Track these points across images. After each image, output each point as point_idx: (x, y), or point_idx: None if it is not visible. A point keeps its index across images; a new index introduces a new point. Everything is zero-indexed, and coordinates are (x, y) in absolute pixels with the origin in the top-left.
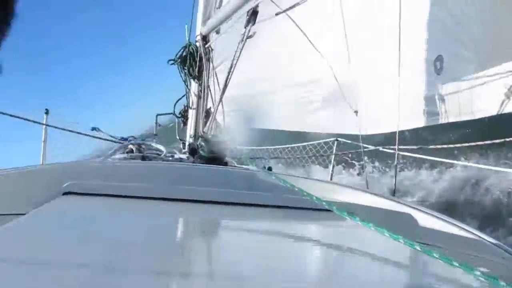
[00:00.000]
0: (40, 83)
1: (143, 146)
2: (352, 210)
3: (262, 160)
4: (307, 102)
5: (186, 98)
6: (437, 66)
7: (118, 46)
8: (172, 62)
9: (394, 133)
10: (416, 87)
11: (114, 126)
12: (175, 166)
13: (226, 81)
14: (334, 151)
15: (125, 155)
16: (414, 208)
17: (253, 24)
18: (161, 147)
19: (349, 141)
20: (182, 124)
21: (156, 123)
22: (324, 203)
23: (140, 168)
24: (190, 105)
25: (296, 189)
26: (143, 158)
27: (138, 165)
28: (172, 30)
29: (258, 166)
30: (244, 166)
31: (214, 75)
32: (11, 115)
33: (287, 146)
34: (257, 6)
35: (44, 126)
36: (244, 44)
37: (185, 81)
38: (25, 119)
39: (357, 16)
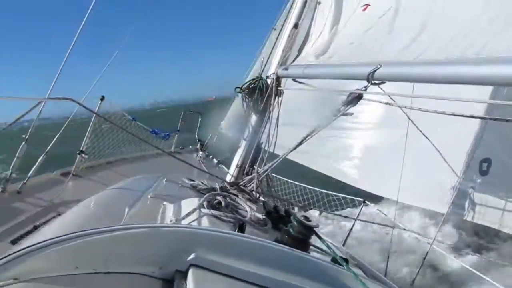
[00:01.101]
0: None
1: (228, 199)
2: None
3: None
4: None
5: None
6: (483, 167)
7: None
8: (239, 90)
9: None
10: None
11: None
12: (287, 252)
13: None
14: None
15: (220, 213)
16: None
17: (353, 106)
18: (245, 205)
19: None
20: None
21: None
22: None
23: (256, 247)
24: (244, 136)
25: None
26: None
27: (254, 243)
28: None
29: None
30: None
31: (277, 117)
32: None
33: None
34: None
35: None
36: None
37: (245, 111)
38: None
39: None
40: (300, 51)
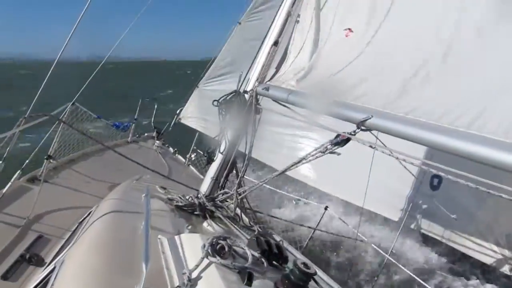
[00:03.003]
0: None
1: (230, 242)
2: None
3: None
4: None
5: (218, 139)
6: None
7: None
8: (216, 103)
9: None
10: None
11: None
12: None
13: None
14: None
15: (228, 262)
16: None
17: (341, 147)
18: (248, 251)
19: None
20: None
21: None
22: None
23: None
24: (221, 150)
25: None
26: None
27: None
28: None
29: None
30: None
31: (253, 133)
32: None
33: None
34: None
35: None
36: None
37: (222, 125)
38: None
39: None
40: (278, 68)
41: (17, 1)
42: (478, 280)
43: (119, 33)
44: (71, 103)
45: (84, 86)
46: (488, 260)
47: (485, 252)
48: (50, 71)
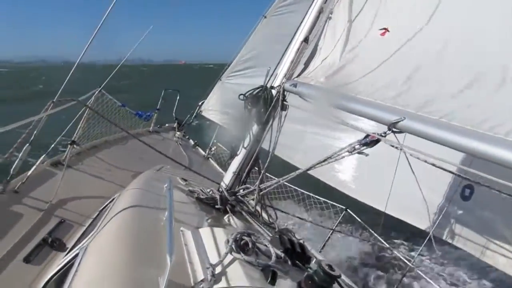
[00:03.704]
0: None
1: (253, 238)
2: None
3: None
4: None
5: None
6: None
7: None
8: (243, 97)
9: None
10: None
11: None
12: None
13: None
14: None
15: (252, 259)
16: None
17: (369, 148)
18: (271, 249)
19: None
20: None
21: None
22: None
23: None
24: (245, 145)
25: None
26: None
27: None
28: None
29: None
30: None
31: (279, 129)
32: None
33: None
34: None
35: None
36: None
37: (247, 120)
38: None
39: None
40: (306, 64)
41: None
42: None
43: (130, 38)
44: (99, 89)
45: (111, 74)
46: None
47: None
48: (72, 71)
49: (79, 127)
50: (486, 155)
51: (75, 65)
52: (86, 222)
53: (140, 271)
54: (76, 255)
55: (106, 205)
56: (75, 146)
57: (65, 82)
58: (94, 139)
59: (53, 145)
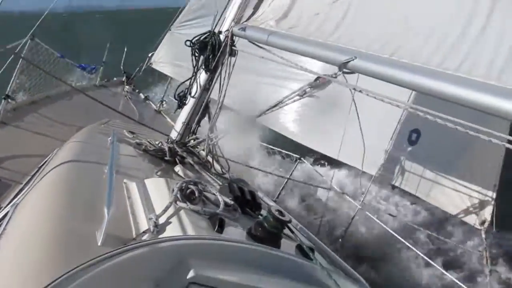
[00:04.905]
0: None
1: (200, 187)
2: None
3: None
4: None
5: (190, 83)
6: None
7: None
8: (190, 43)
9: None
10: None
11: None
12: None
13: None
14: None
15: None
16: None
17: (321, 90)
18: (219, 197)
19: None
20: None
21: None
22: None
23: (248, 254)
24: (192, 94)
25: None
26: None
27: (247, 249)
28: None
29: None
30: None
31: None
32: None
33: None
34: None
35: None
36: None
37: (195, 67)
38: None
39: None
40: (256, 7)
41: None
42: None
43: None
44: (30, 37)
45: (42, 17)
46: (459, 214)
47: (456, 205)
48: None
49: (12, 80)
50: (438, 92)
51: None
52: (24, 180)
53: (76, 225)
54: (7, 213)
55: (45, 161)
56: (9, 100)
57: None
58: (33, 94)
59: None
